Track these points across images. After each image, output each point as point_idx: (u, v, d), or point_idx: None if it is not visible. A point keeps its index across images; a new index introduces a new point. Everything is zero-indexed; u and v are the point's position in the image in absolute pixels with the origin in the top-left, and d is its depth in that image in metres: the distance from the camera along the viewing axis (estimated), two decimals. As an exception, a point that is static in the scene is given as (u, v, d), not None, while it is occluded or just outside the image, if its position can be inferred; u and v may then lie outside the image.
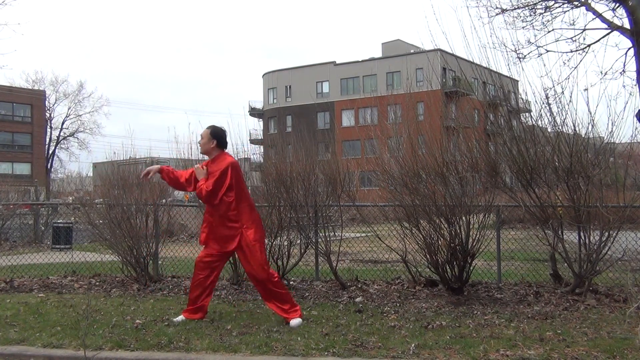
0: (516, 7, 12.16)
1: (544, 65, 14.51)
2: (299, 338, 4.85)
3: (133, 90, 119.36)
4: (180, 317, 5.59)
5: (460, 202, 6.48)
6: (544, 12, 12.09)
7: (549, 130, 6.74)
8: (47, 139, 57.35)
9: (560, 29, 12.76)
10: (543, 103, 6.55)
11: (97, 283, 7.99)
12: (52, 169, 55.79)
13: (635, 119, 6.50)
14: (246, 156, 8.87)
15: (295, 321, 5.38)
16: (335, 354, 4.44)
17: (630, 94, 6.38)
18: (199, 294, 5.65)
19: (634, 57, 11.33)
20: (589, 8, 11.75)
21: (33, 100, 54.64)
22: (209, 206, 5.68)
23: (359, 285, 7.39)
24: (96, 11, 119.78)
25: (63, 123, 58.48)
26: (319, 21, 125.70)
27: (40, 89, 56.74)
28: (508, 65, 7.04)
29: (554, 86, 6.69)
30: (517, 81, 7.39)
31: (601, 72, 11.28)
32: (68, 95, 58.44)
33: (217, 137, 5.74)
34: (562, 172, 6.36)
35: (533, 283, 7.30)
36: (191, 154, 8.08)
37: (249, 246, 5.49)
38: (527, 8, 12.17)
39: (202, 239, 5.74)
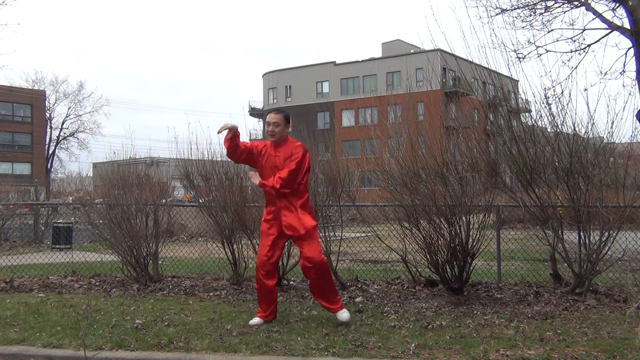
0: (516, 7, 12.18)
1: (544, 65, 14.53)
2: (299, 338, 4.85)
3: (132, 90, 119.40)
4: (257, 319, 5.45)
5: (460, 202, 6.49)
6: (544, 12, 12.10)
7: (549, 130, 6.74)
8: (47, 139, 57.36)
9: (560, 29, 12.77)
10: (543, 103, 6.56)
11: (97, 283, 7.99)
12: (52, 169, 55.80)
13: (635, 119, 6.50)
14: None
15: (344, 314, 5.29)
16: (335, 354, 4.44)
17: (630, 94, 6.37)
18: (274, 298, 5.56)
19: (634, 57, 11.33)
20: (589, 8, 11.75)
21: (33, 100, 54.64)
22: (281, 192, 5.38)
23: (359, 285, 7.38)
24: (97, 11, 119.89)
25: (63, 123, 58.57)
26: (319, 21, 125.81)
27: (40, 89, 56.76)
28: (508, 65, 7.01)
29: (553, 86, 6.69)
30: (517, 81, 7.39)
31: (601, 72, 11.30)
32: (68, 95, 58.52)
33: (289, 120, 5.63)
34: (562, 172, 6.36)
35: (533, 283, 7.30)
36: (191, 154, 8.07)
37: (309, 232, 5.37)
38: (527, 8, 12.18)
39: (266, 227, 5.53)
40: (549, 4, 12.06)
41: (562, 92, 6.39)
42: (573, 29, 12.12)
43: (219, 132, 5.53)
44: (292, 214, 5.41)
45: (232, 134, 5.50)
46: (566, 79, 6.56)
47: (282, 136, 5.56)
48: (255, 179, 5.56)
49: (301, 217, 5.40)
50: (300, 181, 5.42)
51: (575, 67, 11.26)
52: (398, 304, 6.29)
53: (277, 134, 5.54)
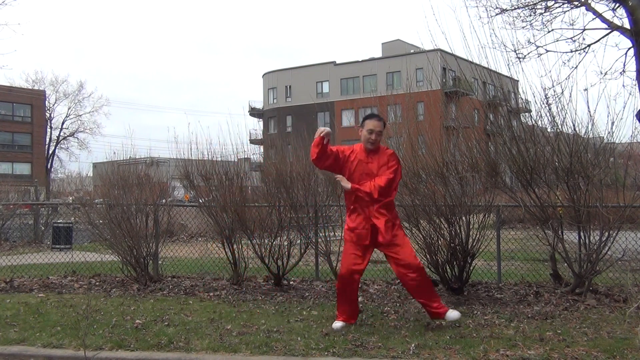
0: (516, 7, 12.16)
1: (544, 65, 14.51)
2: (299, 338, 4.85)
3: (132, 90, 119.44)
4: (340, 323, 5.26)
5: (460, 202, 6.49)
6: (544, 12, 12.08)
7: (549, 130, 6.74)
8: (47, 139, 57.33)
9: (560, 29, 12.75)
10: (543, 103, 6.56)
11: (97, 283, 7.99)
12: (52, 169, 55.77)
13: (635, 118, 6.50)
14: (246, 156, 8.86)
15: (452, 313, 5.13)
16: (335, 354, 4.44)
17: (630, 94, 6.37)
18: (356, 300, 5.46)
19: (634, 57, 11.31)
20: (589, 8, 11.73)
21: (33, 100, 54.62)
22: (376, 200, 5.24)
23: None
24: (97, 11, 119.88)
25: (63, 123, 58.50)
26: (319, 21, 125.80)
27: (40, 89, 56.74)
28: (508, 65, 7.02)
29: (553, 86, 6.69)
30: (517, 81, 7.39)
31: (601, 72, 11.29)
32: (68, 95, 58.44)
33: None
34: (562, 172, 6.36)
35: (533, 283, 7.30)
36: (191, 154, 8.07)
37: (402, 238, 5.30)
38: (527, 8, 12.16)
39: (351, 236, 5.33)
40: (549, 4, 12.04)
41: (562, 92, 6.39)
42: (573, 29, 12.10)
43: (317, 137, 5.28)
44: (383, 221, 5.25)
45: (327, 140, 5.31)
46: (566, 78, 6.57)
47: (379, 143, 5.45)
48: (346, 183, 5.33)
49: (392, 223, 5.29)
50: (394, 190, 5.39)
51: (576, 67, 11.25)
52: (398, 304, 6.30)
53: (377, 143, 5.39)
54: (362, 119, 5.56)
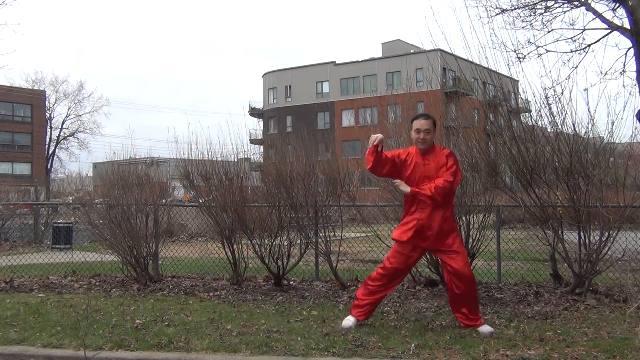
0: (516, 7, 12.14)
1: (544, 65, 14.49)
2: (299, 338, 4.85)
3: (132, 90, 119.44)
4: (353, 319, 5.22)
5: (460, 202, 6.49)
6: (544, 12, 12.05)
7: (549, 130, 6.74)
8: (47, 139, 57.34)
9: (560, 29, 12.71)
10: (543, 103, 6.56)
11: (97, 283, 7.99)
12: (52, 169, 55.77)
13: (635, 119, 6.50)
14: (246, 156, 8.86)
15: (485, 328, 5.00)
16: (335, 354, 4.44)
17: (630, 94, 6.37)
18: (380, 298, 5.37)
19: (634, 57, 11.29)
20: (589, 8, 11.71)
21: (33, 100, 54.63)
22: (437, 202, 5.11)
23: (359, 285, 7.37)
24: (97, 11, 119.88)
25: (63, 123, 58.51)
26: (319, 21, 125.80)
27: (40, 89, 56.74)
28: (508, 65, 7.02)
29: (553, 86, 6.69)
30: (517, 81, 7.39)
31: (601, 72, 11.26)
32: (68, 95, 58.44)
33: (436, 125, 5.38)
34: (562, 172, 6.36)
35: (533, 283, 7.31)
36: (191, 154, 8.07)
37: (458, 245, 5.20)
38: (527, 8, 12.14)
39: (407, 236, 5.18)
40: (549, 4, 12.01)
41: (562, 92, 6.40)
42: (573, 29, 12.06)
43: (371, 145, 5.17)
44: (440, 225, 5.15)
45: (382, 147, 5.22)
46: (566, 78, 6.57)
47: (431, 143, 5.33)
48: (405, 187, 5.21)
49: (450, 228, 5.22)
50: (453, 192, 5.31)
51: (576, 67, 11.20)
52: (398, 304, 6.30)
53: (427, 141, 5.28)
54: (410, 120, 5.49)
